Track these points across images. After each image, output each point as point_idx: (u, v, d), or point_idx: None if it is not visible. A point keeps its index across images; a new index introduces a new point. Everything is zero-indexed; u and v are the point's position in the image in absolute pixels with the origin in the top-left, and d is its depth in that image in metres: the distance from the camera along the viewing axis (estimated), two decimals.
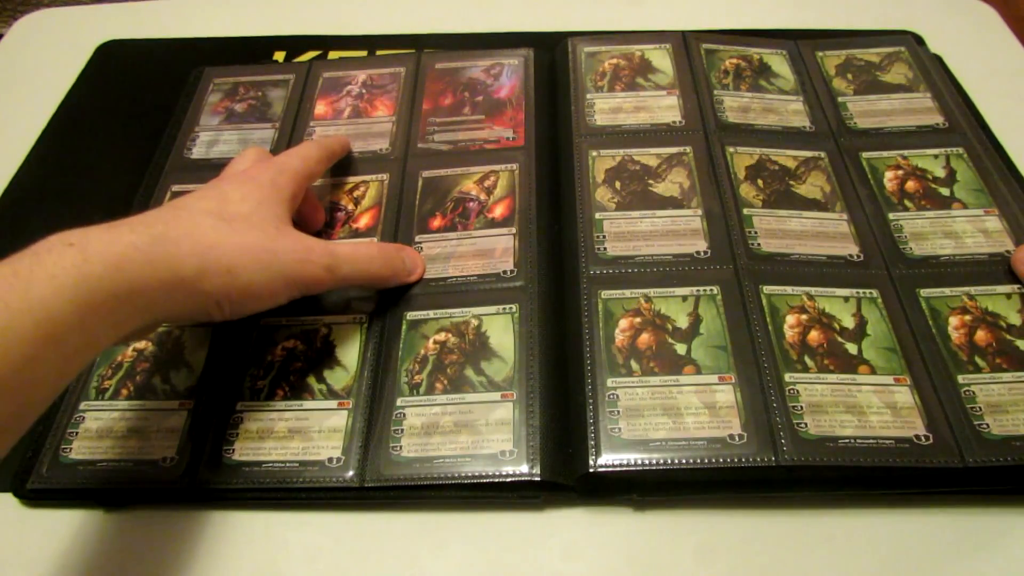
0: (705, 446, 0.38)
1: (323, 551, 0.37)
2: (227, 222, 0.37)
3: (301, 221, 0.46)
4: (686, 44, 0.58)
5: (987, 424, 0.38)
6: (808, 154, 0.51)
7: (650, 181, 0.49)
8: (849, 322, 0.42)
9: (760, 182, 0.49)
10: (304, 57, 0.62)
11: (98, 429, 0.40)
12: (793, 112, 0.54)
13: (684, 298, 0.43)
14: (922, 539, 0.37)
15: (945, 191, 0.49)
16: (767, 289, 0.43)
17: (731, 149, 0.51)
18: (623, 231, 0.47)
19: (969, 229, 0.47)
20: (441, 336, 0.42)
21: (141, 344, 0.43)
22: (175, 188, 0.51)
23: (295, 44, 0.64)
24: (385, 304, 0.44)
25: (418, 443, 0.39)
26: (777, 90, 0.56)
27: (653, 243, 0.46)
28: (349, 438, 0.39)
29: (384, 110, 0.56)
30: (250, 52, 0.63)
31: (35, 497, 0.39)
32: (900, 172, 0.50)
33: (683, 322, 0.42)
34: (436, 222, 0.48)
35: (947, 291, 0.44)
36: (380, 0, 0.69)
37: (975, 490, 0.38)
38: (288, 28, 0.65)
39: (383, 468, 0.38)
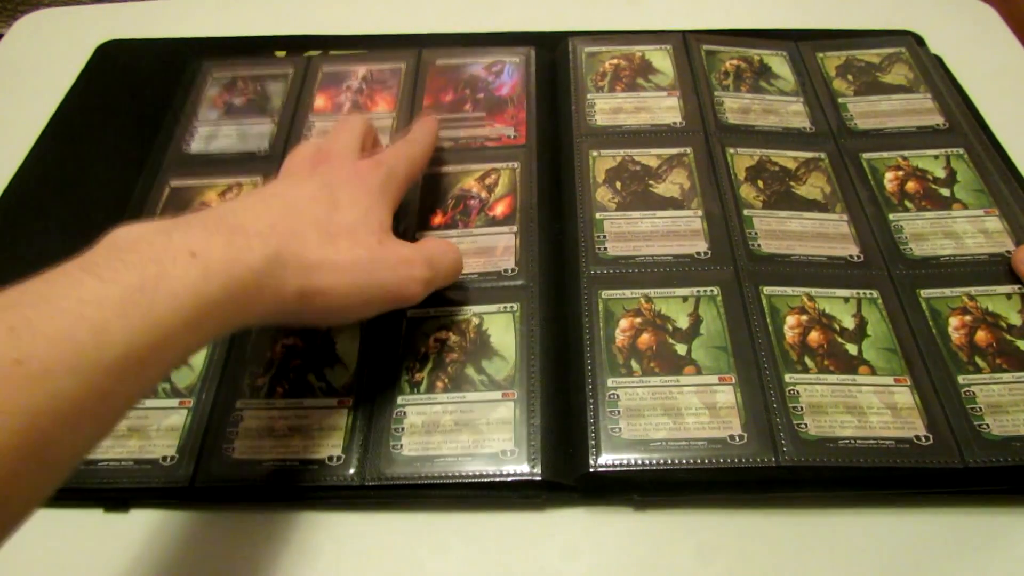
0: (705, 446, 0.38)
1: (324, 550, 0.37)
2: (332, 238, 0.36)
3: None
4: (686, 45, 0.58)
5: (987, 424, 0.38)
6: (808, 155, 0.51)
7: (650, 181, 0.49)
8: (849, 323, 0.42)
9: (760, 183, 0.49)
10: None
11: None
12: (793, 113, 0.54)
13: (684, 298, 0.43)
14: (922, 539, 0.37)
15: (945, 192, 0.49)
16: (767, 290, 0.43)
17: (731, 150, 0.51)
18: (623, 231, 0.47)
19: (969, 229, 0.47)
20: (442, 334, 0.42)
21: None
22: (174, 183, 0.51)
23: (295, 44, 0.64)
24: None
25: (419, 442, 0.39)
26: (777, 91, 0.56)
27: (653, 243, 0.46)
28: (349, 436, 0.39)
29: (384, 105, 0.56)
30: (250, 52, 0.63)
31: None
32: (900, 173, 0.50)
33: (683, 322, 0.42)
34: (437, 219, 0.48)
35: (947, 291, 0.44)
36: (380, 0, 0.69)
37: (975, 490, 0.38)
38: (288, 28, 0.65)
39: (383, 467, 0.38)
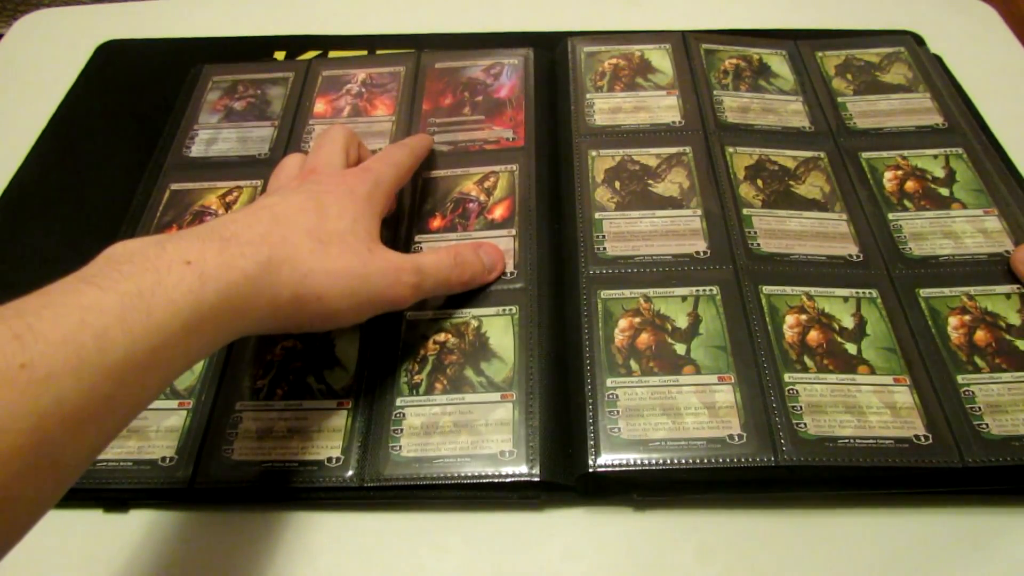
0: (704, 446, 0.38)
1: (323, 551, 0.37)
2: (323, 244, 0.37)
3: None
4: (686, 44, 0.58)
5: (986, 424, 0.38)
6: (808, 154, 0.51)
7: (650, 181, 0.49)
8: (848, 322, 0.42)
9: (760, 182, 0.49)
10: (304, 57, 0.62)
11: None
12: (793, 112, 0.54)
13: (684, 298, 0.43)
14: (922, 539, 0.37)
15: (944, 191, 0.49)
16: (767, 289, 0.43)
17: (731, 149, 0.51)
18: (623, 231, 0.47)
19: (968, 229, 0.47)
20: (441, 336, 0.43)
21: None
22: (174, 187, 0.51)
23: (295, 44, 0.64)
24: None
25: (418, 443, 0.39)
26: (777, 90, 0.56)
27: (653, 243, 0.46)
28: (348, 438, 0.39)
29: (384, 109, 0.56)
30: (250, 52, 0.63)
31: None
32: (900, 172, 0.50)
33: (683, 322, 0.42)
34: (436, 223, 0.48)
35: (946, 291, 0.44)
36: (380, 0, 0.69)
37: (974, 490, 0.38)
38: (288, 28, 0.65)
39: (383, 468, 0.38)
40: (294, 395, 0.41)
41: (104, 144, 0.57)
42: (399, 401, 0.40)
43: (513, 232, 0.47)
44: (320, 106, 0.56)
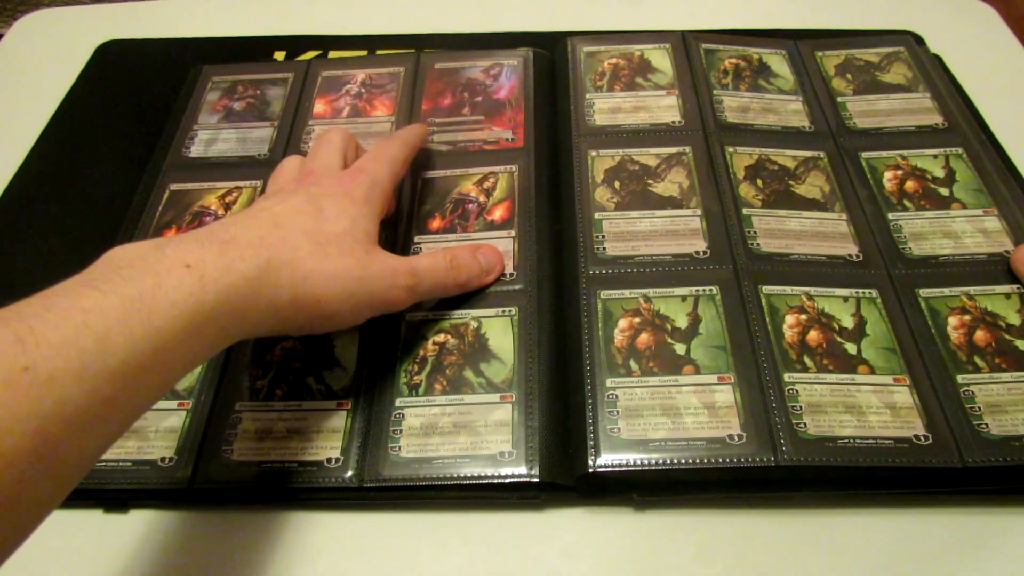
0: (704, 446, 0.38)
1: (323, 551, 0.37)
2: (322, 247, 0.37)
3: None
4: (685, 44, 0.58)
5: (986, 424, 0.38)
6: (807, 154, 0.51)
7: (649, 181, 0.49)
8: (848, 322, 0.42)
9: (759, 182, 0.49)
10: (304, 57, 0.62)
11: None
12: (792, 112, 0.54)
13: (683, 298, 0.43)
14: (922, 539, 0.37)
15: (944, 191, 0.49)
16: (766, 289, 0.43)
17: (730, 149, 0.51)
18: (622, 231, 0.47)
19: (968, 229, 0.47)
20: (440, 337, 0.43)
21: None
22: (174, 187, 0.51)
23: (295, 44, 0.64)
24: None
25: (417, 444, 0.39)
26: (776, 90, 0.56)
27: (652, 243, 0.46)
28: (348, 438, 0.39)
29: (383, 110, 0.56)
30: (250, 52, 0.63)
31: None
32: (899, 172, 0.50)
33: (682, 322, 0.42)
34: (435, 223, 0.48)
35: (946, 291, 0.44)
36: (380, 0, 0.69)
37: (974, 490, 0.38)
38: (288, 28, 0.65)
39: (382, 468, 0.38)
40: (294, 395, 0.41)
41: (104, 144, 0.57)
42: (398, 402, 0.40)
43: (512, 233, 0.47)
44: (320, 107, 0.56)
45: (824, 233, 0.47)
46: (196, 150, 0.54)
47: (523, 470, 0.38)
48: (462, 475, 0.38)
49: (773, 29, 0.63)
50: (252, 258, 0.34)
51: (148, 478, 0.38)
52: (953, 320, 0.42)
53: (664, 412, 0.39)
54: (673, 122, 0.53)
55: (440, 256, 0.43)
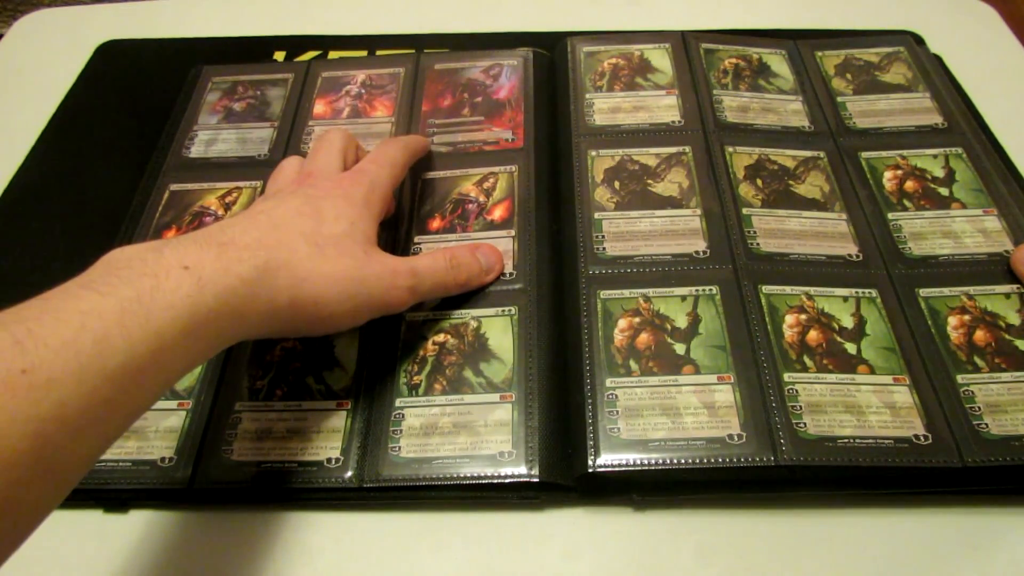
0: (704, 446, 0.38)
1: (323, 551, 0.37)
2: (320, 248, 0.37)
3: None
4: (685, 44, 0.58)
5: (986, 424, 0.38)
6: (807, 154, 0.51)
7: (649, 181, 0.49)
8: (848, 322, 0.42)
9: (759, 182, 0.49)
10: (304, 57, 0.62)
11: None
12: (792, 112, 0.54)
13: (683, 298, 0.43)
14: (922, 539, 0.37)
15: (944, 191, 0.49)
16: (766, 289, 0.43)
17: (730, 149, 0.51)
18: (622, 231, 0.47)
19: (968, 229, 0.47)
20: (440, 337, 0.43)
21: None
22: (174, 187, 0.51)
23: (295, 44, 0.64)
24: None
25: (417, 444, 0.39)
26: (776, 90, 0.56)
27: (652, 243, 0.46)
28: (348, 439, 0.39)
29: (383, 111, 0.56)
30: (250, 52, 0.63)
31: None
32: (899, 172, 0.50)
33: (682, 322, 0.42)
34: (435, 224, 0.48)
35: (946, 291, 0.44)
36: (380, 0, 0.69)
37: (974, 490, 0.38)
38: (288, 28, 0.65)
39: (382, 469, 0.38)
40: (293, 396, 0.41)
41: (104, 144, 0.57)
42: (398, 402, 0.40)
43: (512, 233, 0.47)
44: (319, 107, 0.56)
45: (824, 233, 0.47)
46: (196, 150, 0.54)
47: (523, 470, 0.38)
48: (462, 475, 0.38)
49: (773, 29, 0.63)
50: (250, 260, 0.34)
51: (148, 478, 0.38)
52: (953, 320, 0.42)
53: (664, 412, 0.39)
54: (673, 122, 0.53)
55: (440, 256, 0.43)
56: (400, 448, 0.39)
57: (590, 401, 0.39)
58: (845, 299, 0.43)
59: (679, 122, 0.53)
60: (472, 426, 0.39)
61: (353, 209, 0.40)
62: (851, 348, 0.41)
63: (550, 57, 0.59)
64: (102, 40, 0.65)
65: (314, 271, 0.36)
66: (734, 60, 0.57)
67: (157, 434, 0.40)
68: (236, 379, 0.42)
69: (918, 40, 0.61)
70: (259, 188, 0.51)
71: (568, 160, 0.51)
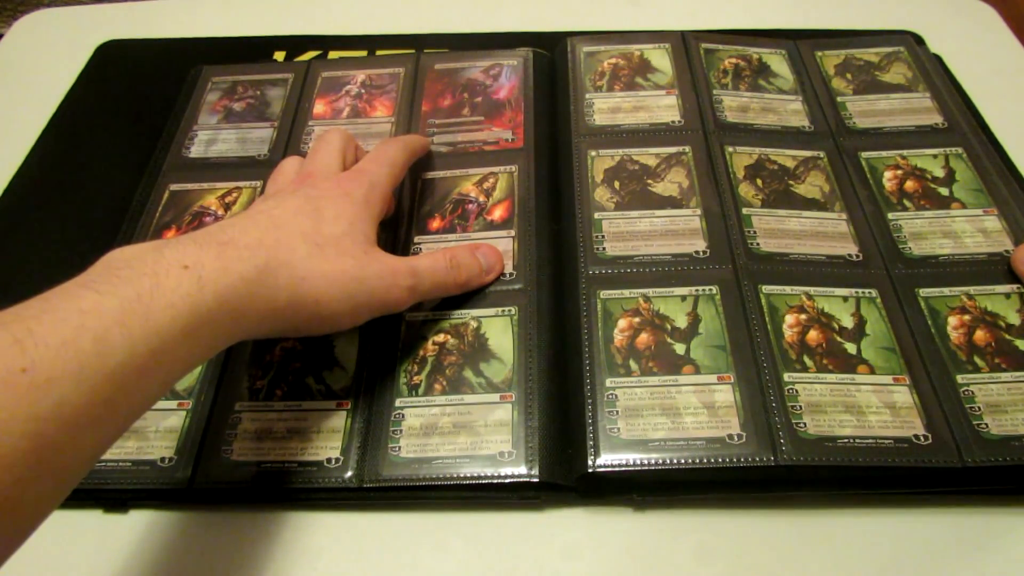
0: (704, 446, 0.38)
1: (323, 551, 0.37)
2: (320, 248, 0.37)
3: None
4: (685, 44, 0.58)
5: (986, 424, 0.38)
6: (807, 154, 0.51)
7: (649, 181, 0.49)
8: (848, 322, 0.42)
9: (759, 182, 0.49)
10: (304, 57, 0.62)
11: None
12: (792, 112, 0.54)
13: (683, 298, 0.43)
14: (922, 539, 0.37)
15: (944, 191, 0.49)
16: (766, 289, 0.43)
17: (730, 149, 0.51)
18: (622, 231, 0.47)
19: (968, 229, 0.47)
20: (440, 337, 0.43)
21: None
22: (173, 187, 0.51)
23: (295, 44, 0.64)
24: None
25: (417, 444, 0.39)
26: (776, 90, 0.56)
27: (652, 243, 0.46)
28: (348, 439, 0.39)
29: (383, 111, 0.56)
30: (250, 52, 0.63)
31: None
32: (899, 172, 0.50)
33: (682, 322, 0.42)
34: (435, 224, 0.48)
35: (946, 291, 0.44)
36: (380, 0, 0.69)
37: (974, 490, 0.38)
38: (288, 28, 0.65)
39: (382, 469, 0.38)
40: (293, 396, 0.41)
41: (104, 144, 0.57)
42: (398, 402, 0.40)
43: (512, 233, 0.47)
44: (319, 107, 0.56)
45: (824, 233, 0.47)
46: (196, 150, 0.54)
47: (523, 470, 0.38)
48: (462, 475, 0.38)
49: (773, 29, 0.63)
50: (250, 259, 0.34)
51: (148, 478, 0.38)
52: (953, 320, 0.42)
53: (664, 412, 0.39)
54: (673, 122, 0.53)
55: (440, 256, 0.43)
56: (400, 448, 0.39)
57: (590, 401, 0.39)
58: (845, 299, 0.43)
59: (679, 122, 0.53)
60: (472, 426, 0.39)
61: (353, 209, 0.40)
62: (851, 348, 0.41)
63: (550, 57, 0.59)
64: (102, 40, 0.65)
65: (314, 270, 0.36)
66: (734, 60, 0.57)
67: (157, 434, 0.40)
68: (236, 379, 0.42)
69: (918, 40, 0.61)
70: (259, 188, 0.51)
71: (568, 160, 0.51)
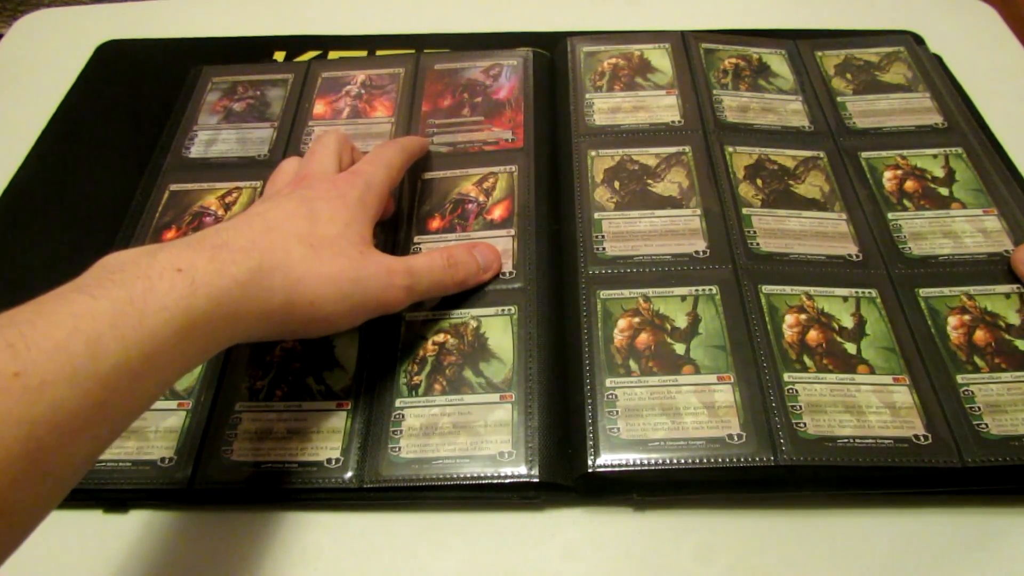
0: (704, 446, 0.38)
1: (323, 551, 0.37)
2: (315, 249, 0.37)
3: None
4: (685, 44, 0.58)
5: (986, 424, 0.38)
6: (807, 154, 0.51)
7: (649, 181, 0.49)
8: (848, 322, 0.42)
9: (759, 182, 0.49)
10: (304, 57, 0.62)
11: None
12: (792, 112, 0.54)
13: (683, 298, 0.43)
14: (921, 539, 0.37)
15: (944, 191, 0.49)
16: (766, 289, 0.43)
17: (730, 149, 0.51)
18: (622, 231, 0.47)
19: (968, 229, 0.47)
20: (440, 337, 0.43)
21: None
22: (173, 187, 0.51)
23: (295, 44, 0.64)
24: None
25: (417, 444, 0.39)
26: (776, 90, 0.56)
27: (652, 243, 0.46)
28: (348, 439, 0.39)
29: (383, 111, 0.56)
30: (250, 52, 0.63)
31: None
32: (899, 172, 0.50)
33: (682, 322, 0.42)
34: (435, 223, 0.48)
35: (946, 291, 0.44)
36: (380, 0, 0.69)
37: (974, 490, 0.38)
38: (288, 28, 0.65)
39: (382, 469, 0.38)
40: (293, 396, 0.41)
41: (104, 144, 0.57)
42: (398, 402, 0.40)
43: (512, 232, 0.47)
44: (319, 107, 0.56)
45: (824, 233, 0.47)
46: (196, 151, 0.54)
47: (523, 470, 0.38)
48: (462, 475, 0.38)
49: (773, 29, 0.63)
50: (244, 262, 0.34)
51: (148, 478, 0.38)
52: (953, 320, 0.42)
53: (664, 412, 0.39)
54: (673, 122, 0.53)
55: (436, 255, 0.43)
56: (400, 448, 0.39)
57: (590, 401, 0.39)
58: (845, 299, 0.43)
59: (679, 122, 0.53)
60: (472, 426, 0.39)
61: (348, 210, 0.40)
62: (851, 348, 0.41)
63: (550, 57, 0.59)
64: (102, 40, 0.65)
65: (309, 272, 0.36)
66: (734, 60, 0.57)
67: (157, 434, 0.40)
68: (236, 379, 0.42)
69: (918, 40, 0.61)
70: (259, 188, 0.51)
71: (568, 160, 0.51)
